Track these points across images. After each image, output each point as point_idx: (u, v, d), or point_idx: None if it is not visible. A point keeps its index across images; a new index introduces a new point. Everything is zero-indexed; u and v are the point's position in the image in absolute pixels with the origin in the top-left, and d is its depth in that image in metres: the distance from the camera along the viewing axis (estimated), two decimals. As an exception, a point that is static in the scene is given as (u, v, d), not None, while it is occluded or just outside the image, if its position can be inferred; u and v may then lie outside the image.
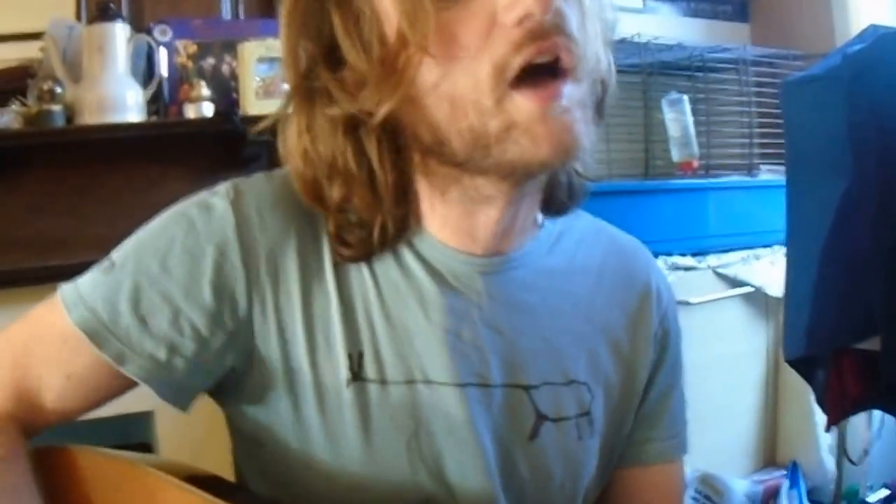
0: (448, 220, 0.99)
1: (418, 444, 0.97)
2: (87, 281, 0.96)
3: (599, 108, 0.97)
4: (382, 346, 0.97)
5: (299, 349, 0.96)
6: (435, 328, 0.98)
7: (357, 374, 0.96)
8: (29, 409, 0.97)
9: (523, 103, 0.86)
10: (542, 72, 0.87)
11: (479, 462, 0.98)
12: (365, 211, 0.96)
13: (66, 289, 0.97)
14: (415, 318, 0.98)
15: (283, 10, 0.94)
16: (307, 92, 0.94)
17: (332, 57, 0.92)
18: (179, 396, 0.98)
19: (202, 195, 0.99)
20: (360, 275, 0.99)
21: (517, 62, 0.85)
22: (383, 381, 0.96)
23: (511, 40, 0.85)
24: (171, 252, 0.94)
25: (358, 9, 0.90)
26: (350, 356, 0.96)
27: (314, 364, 0.96)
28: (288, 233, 0.97)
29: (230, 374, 0.99)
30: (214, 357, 0.96)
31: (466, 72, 0.86)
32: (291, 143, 0.96)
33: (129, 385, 0.97)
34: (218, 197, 0.98)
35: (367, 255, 0.98)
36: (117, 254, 0.97)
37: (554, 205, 1.07)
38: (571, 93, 0.88)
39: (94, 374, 0.95)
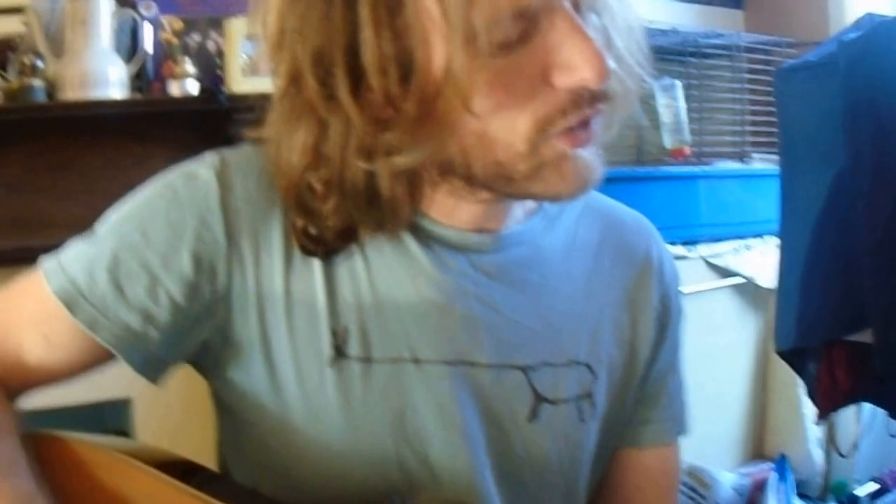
0: (437, 202, 0.97)
1: (403, 424, 0.95)
2: (69, 250, 0.96)
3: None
4: (370, 322, 0.95)
5: (279, 325, 0.95)
6: (425, 303, 0.96)
7: (341, 352, 0.94)
8: (11, 370, 0.97)
9: (560, 145, 0.85)
10: None
11: (464, 443, 0.96)
12: (343, 216, 0.92)
13: (47, 258, 0.97)
14: (404, 293, 0.96)
15: None
16: (319, 105, 0.85)
17: (351, 62, 0.83)
18: (150, 368, 0.96)
19: (188, 164, 0.97)
20: (347, 248, 0.96)
21: (561, 125, 0.85)
22: (368, 360, 0.95)
23: (558, 103, 0.84)
24: (153, 221, 0.93)
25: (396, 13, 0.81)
26: (334, 333, 0.94)
27: (294, 341, 0.94)
28: (273, 205, 0.95)
29: (205, 347, 0.97)
30: (189, 329, 0.95)
31: (504, 120, 0.84)
32: (291, 151, 0.90)
33: (107, 355, 0.95)
34: (203, 166, 0.96)
35: (325, 250, 0.95)
36: (100, 224, 0.96)
37: None
38: (597, 127, 0.89)
39: (71, 340, 0.95)
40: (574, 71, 0.82)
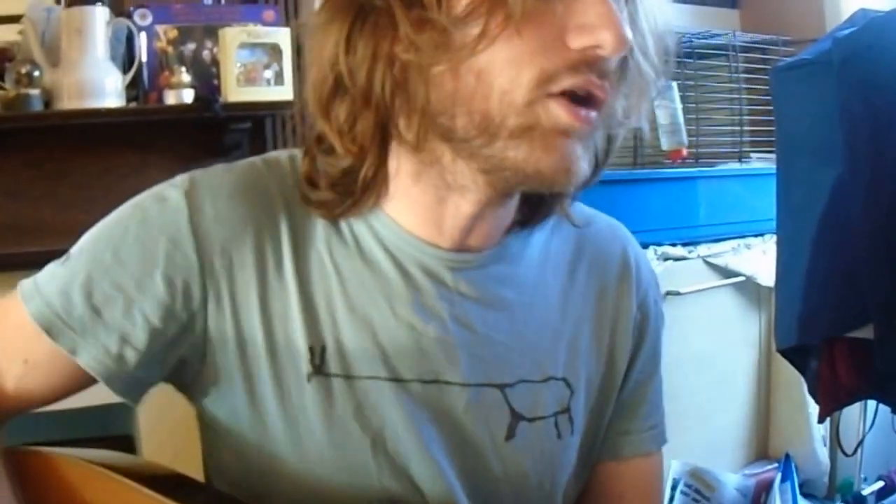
0: (416, 205, 0.96)
1: (383, 442, 0.95)
2: (45, 273, 0.96)
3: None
4: (346, 339, 0.95)
5: (256, 342, 0.95)
6: (400, 323, 0.96)
7: (319, 368, 0.95)
8: None
9: (557, 111, 0.85)
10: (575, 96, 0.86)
11: (438, 462, 0.96)
12: (356, 150, 0.93)
13: (24, 282, 0.97)
14: (380, 312, 0.96)
15: None
16: (360, 6, 0.89)
17: None
18: (131, 390, 0.97)
19: (159, 186, 0.98)
20: (322, 267, 0.97)
21: (566, 83, 0.85)
22: (348, 376, 0.95)
23: (568, 61, 0.84)
24: (124, 242, 0.94)
25: None
26: (311, 349, 0.95)
27: (273, 358, 0.95)
28: (245, 225, 0.95)
29: (184, 366, 0.97)
30: (166, 349, 0.95)
31: (511, 64, 0.84)
32: (323, 47, 0.92)
33: (87, 378, 0.95)
34: (173, 188, 0.96)
35: (333, 205, 0.96)
36: (75, 247, 0.97)
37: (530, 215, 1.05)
38: (593, 125, 0.88)
39: (52, 364, 0.95)
40: (591, 32, 0.83)
